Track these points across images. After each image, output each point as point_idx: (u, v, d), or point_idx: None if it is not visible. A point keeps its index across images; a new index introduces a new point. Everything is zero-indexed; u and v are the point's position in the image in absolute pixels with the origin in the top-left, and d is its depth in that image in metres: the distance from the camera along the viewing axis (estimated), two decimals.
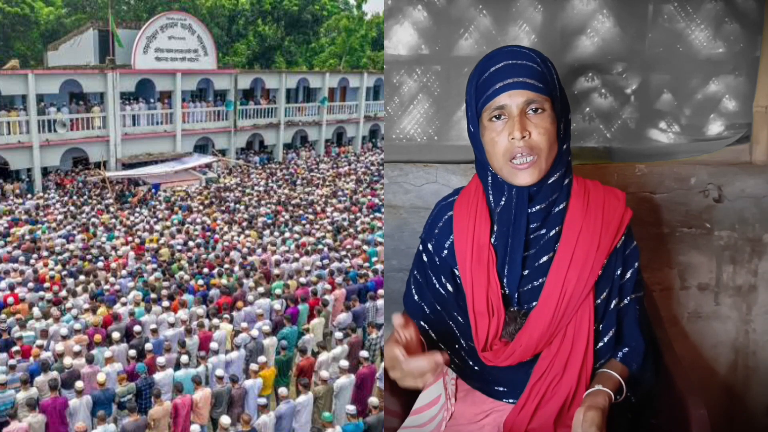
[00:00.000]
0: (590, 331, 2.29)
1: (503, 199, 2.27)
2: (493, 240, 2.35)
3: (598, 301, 2.31)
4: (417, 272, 2.64)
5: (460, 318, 2.45)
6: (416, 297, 2.63)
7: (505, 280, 2.34)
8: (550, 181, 2.22)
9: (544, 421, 2.31)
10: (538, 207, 2.25)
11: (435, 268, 2.54)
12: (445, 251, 2.48)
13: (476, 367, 2.44)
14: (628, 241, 2.37)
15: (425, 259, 2.58)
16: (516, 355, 2.31)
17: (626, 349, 2.39)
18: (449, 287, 2.49)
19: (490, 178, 2.29)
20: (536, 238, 2.30)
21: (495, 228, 2.34)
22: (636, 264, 2.38)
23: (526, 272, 2.32)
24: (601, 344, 2.35)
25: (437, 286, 2.53)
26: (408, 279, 2.70)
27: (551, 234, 2.28)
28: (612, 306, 2.35)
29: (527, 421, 2.33)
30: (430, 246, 2.54)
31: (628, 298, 2.38)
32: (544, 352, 2.31)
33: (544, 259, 2.29)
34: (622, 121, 3.68)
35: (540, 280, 2.30)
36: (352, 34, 27.02)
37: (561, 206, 2.28)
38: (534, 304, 2.31)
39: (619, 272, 2.34)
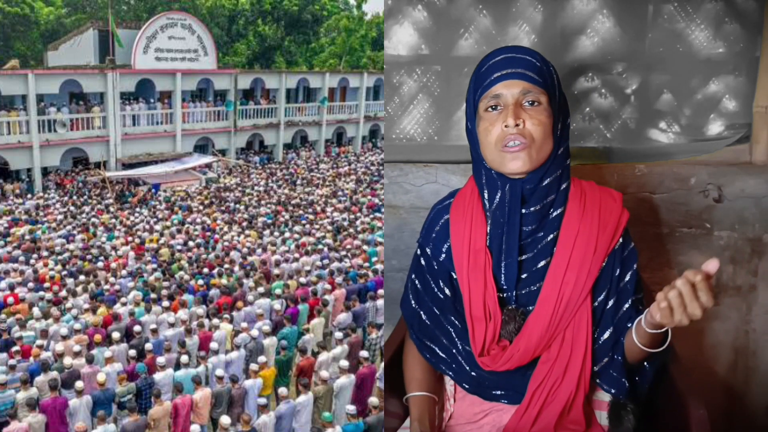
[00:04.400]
0: (588, 334, 2.28)
1: (497, 196, 2.27)
2: (488, 242, 2.34)
3: (596, 303, 2.30)
4: (415, 277, 2.62)
5: (457, 322, 2.43)
6: (413, 303, 2.61)
7: (502, 280, 2.33)
8: (544, 183, 2.21)
9: (545, 425, 2.31)
10: (532, 209, 2.24)
11: (433, 271, 2.53)
12: (443, 255, 2.47)
13: (473, 373, 2.42)
14: (626, 243, 2.36)
15: (423, 263, 2.57)
16: (514, 360, 2.29)
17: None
18: (447, 291, 2.48)
19: (484, 177, 2.29)
20: (533, 242, 2.29)
21: (490, 229, 2.34)
22: (634, 265, 2.36)
23: (524, 276, 2.31)
24: (598, 346, 2.34)
25: (436, 290, 2.52)
26: (406, 284, 2.69)
27: (549, 238, 2.28)
28: (609, 307, 2.34)
29: (529, 425, 2.32)
30: (428, 250, 2.53)
31: (629, 301, 2.37)
32: (543, 357, 2.30)
33: (542, 263, 2.29)
34: (622, 121, 3.68)
35: (537, 285, 2.29)
36: (352, 34, 27.00)
37: (559, 210, 2.28)
38: (531, 308, 2.30)
39: (617, 274, 2.32)
